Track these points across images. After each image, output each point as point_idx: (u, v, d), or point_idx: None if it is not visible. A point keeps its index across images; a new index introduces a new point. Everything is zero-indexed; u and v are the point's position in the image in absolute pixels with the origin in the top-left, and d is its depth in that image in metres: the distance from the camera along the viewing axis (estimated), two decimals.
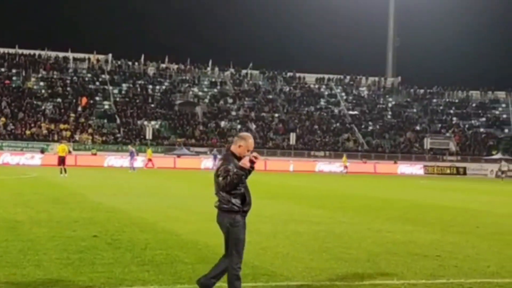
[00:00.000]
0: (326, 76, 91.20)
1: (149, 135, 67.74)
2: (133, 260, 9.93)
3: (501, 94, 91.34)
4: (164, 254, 10.48)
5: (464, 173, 69.48)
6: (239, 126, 77.60)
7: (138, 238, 12.27)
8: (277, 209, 19.38)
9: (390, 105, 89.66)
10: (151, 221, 15.13)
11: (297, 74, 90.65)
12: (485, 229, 15.92)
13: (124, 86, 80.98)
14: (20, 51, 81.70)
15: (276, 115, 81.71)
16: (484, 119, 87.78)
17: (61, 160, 36.88)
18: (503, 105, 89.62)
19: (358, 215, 18.47)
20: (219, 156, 56.74)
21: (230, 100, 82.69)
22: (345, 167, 60.04)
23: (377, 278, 9.22)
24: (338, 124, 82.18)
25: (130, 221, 15.05)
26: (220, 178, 7.09)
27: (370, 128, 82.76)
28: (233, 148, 7.31)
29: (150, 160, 56.47)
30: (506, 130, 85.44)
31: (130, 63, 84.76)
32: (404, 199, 26.78)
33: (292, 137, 71.46)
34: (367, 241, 12.84)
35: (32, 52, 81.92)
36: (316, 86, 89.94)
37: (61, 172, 35.88)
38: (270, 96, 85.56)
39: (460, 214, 19.87)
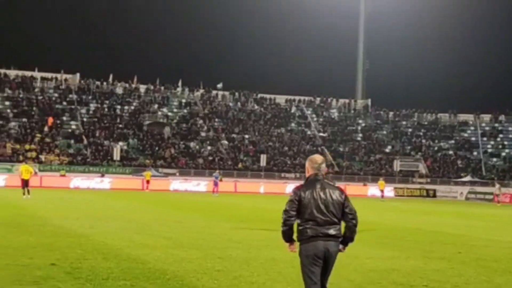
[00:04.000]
0: (297, 98, 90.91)
1: (117, 156, 66.54)
2: None
3: (469, 117, 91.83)
4: (128, 285, 9.57)
5: (434, 196, 69.27)
6: (209, 148, 76.71)
7: (100, 266, 11.31)
8: (248, 234, 18.51)
9: (360, 127, 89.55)
10: (116, 248, 14.16)
11: (268, 96, 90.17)
12: (468, 255, 15.22)
13: (92, 106, 79.64)
14: None
15: (247, 136, 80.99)
16: (453, 141, 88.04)
17: (24, 182, 35.58)
18: (472, 128, 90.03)
19: None
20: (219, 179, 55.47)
21: (200, 121, 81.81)
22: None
23: None
24: (308, 146, 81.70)
25: (92, 247, 14.06)
26: (351, 203, 7.12)
27: (341, 149, 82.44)
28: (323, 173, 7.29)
29: (148, 182, 57.14)
30: (475, 153, 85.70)
31: (98, 82, 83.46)
32: (378, 222, 26.07)
33: (263, 158, 70.71)
34: (348, 269, 12.00)
35: None
36: (287, 107, 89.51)
37: (24, 194, 34.66)
38: (241, 117, 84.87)
39: (438, 238, 19.20)
